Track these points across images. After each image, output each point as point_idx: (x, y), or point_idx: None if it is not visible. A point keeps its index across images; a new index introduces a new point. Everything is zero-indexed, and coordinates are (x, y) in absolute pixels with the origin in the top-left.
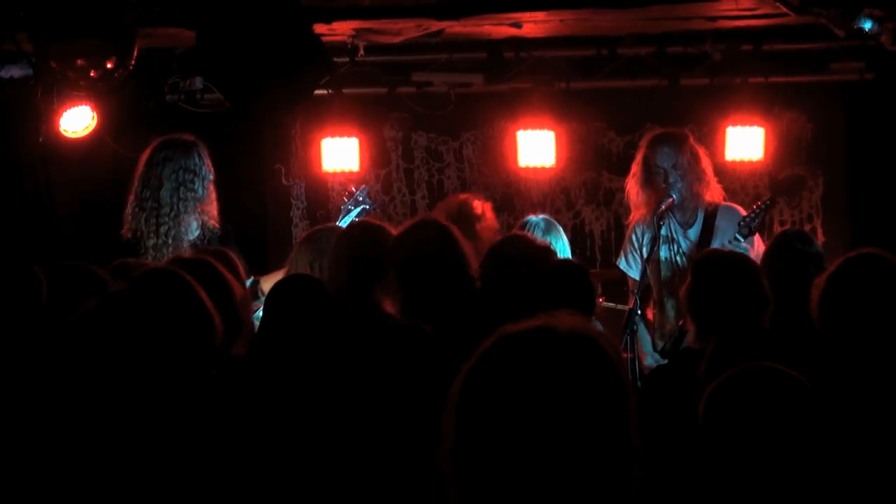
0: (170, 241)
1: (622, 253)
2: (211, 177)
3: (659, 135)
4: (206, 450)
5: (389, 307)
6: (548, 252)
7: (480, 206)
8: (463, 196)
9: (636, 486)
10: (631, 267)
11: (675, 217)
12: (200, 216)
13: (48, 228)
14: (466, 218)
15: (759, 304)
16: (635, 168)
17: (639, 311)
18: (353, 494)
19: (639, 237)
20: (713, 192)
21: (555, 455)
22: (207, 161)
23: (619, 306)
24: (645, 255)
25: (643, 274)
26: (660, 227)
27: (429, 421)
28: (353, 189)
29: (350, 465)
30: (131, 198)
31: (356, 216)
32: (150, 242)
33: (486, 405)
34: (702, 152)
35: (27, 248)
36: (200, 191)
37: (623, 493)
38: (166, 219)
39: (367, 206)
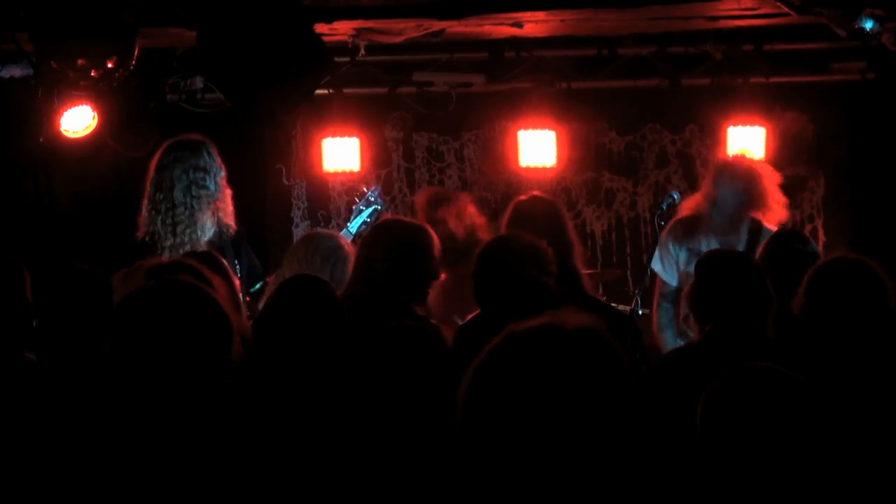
0: (186, 240)
1: (657, 255)
2: (222, 173)
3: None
4: (219, 457)
5: (420, 310)
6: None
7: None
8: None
9: (643, 476)
10: (666, 271)
11: (718, 239)
12: (215, 214)
13: (48, 228)
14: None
15: (762, 303)
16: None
17: (640, 312)
18: (361, 496)
19: (675, 251)
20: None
21: (564, 448)
22: (217, 158)
23: (621, 307)
24: (680, 267)
25: (650, 274)
26: (660, 227)
27: (439, 422)
28: (365, 189)
29: (356, 469)
30: (145, 201)
31: (368, 217)
32: (168, 243)
33: (495, 401)
34: (770, 183)
35: (27, 247)
36: (212, 188)
37: (630, 484)
38: (182, 217)
39: (379, 207)
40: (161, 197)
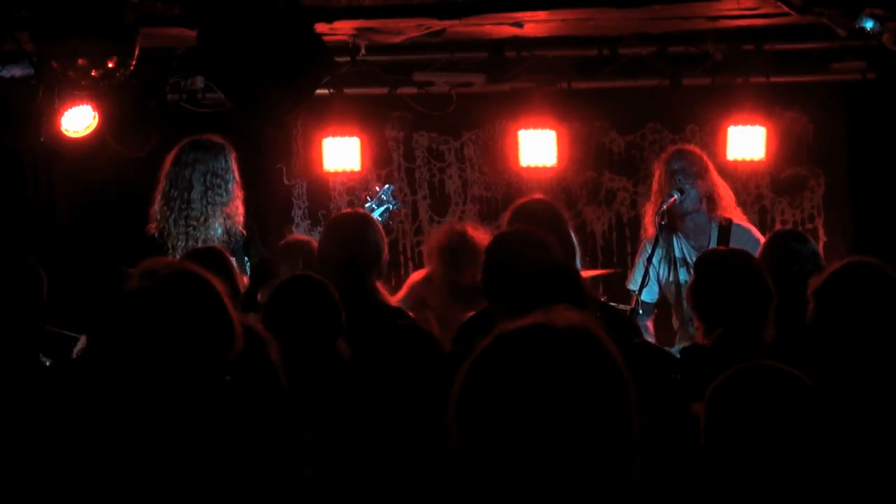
0: (199, 245)
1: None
2: (236, 180)
3: (673, 148)
4: (219, 455)
5: (387, 296)
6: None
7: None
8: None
9: (638, 478)
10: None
11: (689, 241)
12: (225, 219)
13: (48, 227)
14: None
15: (763, 300)
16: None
17: (640, 311)
18: (359, 495)
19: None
20: (725, 207)
21: (557, 450)
22: (234, 165)
23: (621, 306)
24: (656, 270)
25: (644, 276)
26: (661, 227)
27: (435, 422)
28: (378, 188)
29: (353, 468)
30: (158, 196)
31: (380, 216)
32: (180, 244)
33: (486, 402)
34: (713, 170)
35: (28, 246)
36: (225, 195)
37: (625, 486)
38: (195, 222)
39: (391, 206)
40: (176, 195)
